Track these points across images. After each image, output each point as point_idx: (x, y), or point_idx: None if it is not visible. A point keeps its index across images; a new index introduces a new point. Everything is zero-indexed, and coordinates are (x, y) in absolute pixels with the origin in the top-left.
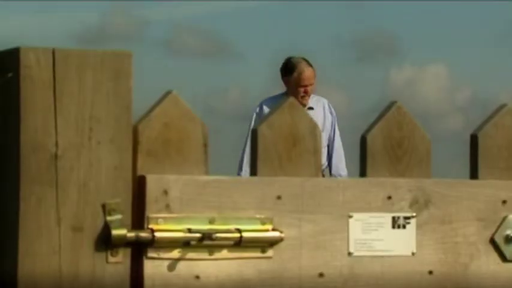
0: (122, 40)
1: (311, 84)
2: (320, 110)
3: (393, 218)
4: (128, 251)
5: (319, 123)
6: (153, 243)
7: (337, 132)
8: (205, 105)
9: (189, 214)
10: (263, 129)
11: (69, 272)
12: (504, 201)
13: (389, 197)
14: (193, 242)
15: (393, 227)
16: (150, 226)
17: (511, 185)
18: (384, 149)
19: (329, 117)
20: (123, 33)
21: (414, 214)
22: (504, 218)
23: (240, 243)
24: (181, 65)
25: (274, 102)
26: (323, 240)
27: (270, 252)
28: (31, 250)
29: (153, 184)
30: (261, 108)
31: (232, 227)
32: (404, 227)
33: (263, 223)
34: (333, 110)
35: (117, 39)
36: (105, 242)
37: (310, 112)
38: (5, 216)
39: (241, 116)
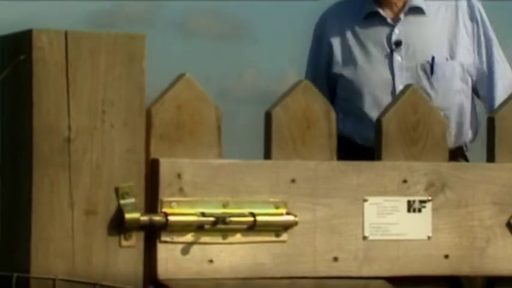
0: (134, 23)
1: None
2: (442, 13)
3: (408, 201)
4: (141, 234)
5: (436, 36)
6: (166, 227)
7: (496, 56)
8: (219, 88)
9: (203, 198)
10: (277, 112)
11: (82, 256)
12: None
13: (405, 181)
14: (206, 226)
15: (408, 210)
16: (164, 210)
17: None
18: (399, 132)
19: (466, 26)
20: (135, 16)
21: (430, 198)
22: None
23: (253, 227)
24: (194, 47)
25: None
26: (338, 224)
27: (284, 236)
28: (44, 234)
29: (166, 167)
30: (324, 27)
31: (246, 210)
32: (419, 210)
33: (277, 207)
34: (479, 13)
35: (130, 23)
36: (119, 225)
37: (415, 19)
38: (18, 199)
39: (255, 99)
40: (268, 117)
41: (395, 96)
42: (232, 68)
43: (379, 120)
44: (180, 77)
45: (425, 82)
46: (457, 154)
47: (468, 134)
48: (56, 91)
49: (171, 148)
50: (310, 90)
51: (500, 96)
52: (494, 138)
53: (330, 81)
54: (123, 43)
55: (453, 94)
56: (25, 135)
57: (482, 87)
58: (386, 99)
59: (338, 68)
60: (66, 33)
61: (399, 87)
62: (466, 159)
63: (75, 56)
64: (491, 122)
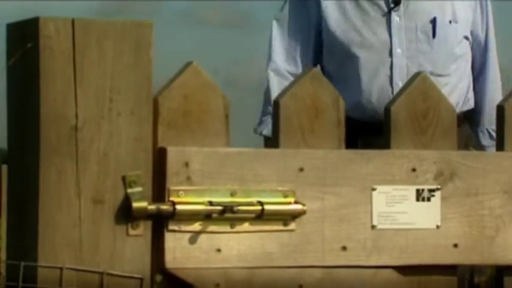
0: (142, 13)
1: None
2: None
3: (417, 190)
4: (149, 223)
5: (434, 13)
6: (174, 215)
7: (491, 31)
8: (227, 76)
9: (210, 186)
10: (285, 101)
11: (89, 245)
12: None
13: (414, 169)
14: (214, 215)
15: (417, 199)
16: (171, 199)
17: None
18: (408, 120)
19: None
20: (143, 6)
21: (439, 186)
22: None
23: (261, 216)
24: (202, 36)
25: None
26: (346, 213)
27: (292, 225)
28: (52, 222)
29: (173, 156)
30: None
31: (253, 199)
32: (428, 199)
33: (285, 196)
34: None
35: (137, 12)
36: (126, 214)
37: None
38: (25, 188)
39: (263, 88)
40: (276, 105)
41: (404, 84)
42: (240, 57)
43: (388, 109)
44: (187, 65)
45: (425, 45)
46: (464, 121)
47: (471, 100)
48: (63, 79)
49: (178, 137)
50: (319, 78)
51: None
52: (503, 126)
53: (317, 45)
54: (131, 31)
55: (454, 59)
56: (32, 123)
57: (476, 59)
58: (383, 63)
59: (329, 29)
60: (73, 21)
61: (397, 50)
62: (466, 127)
63: (82, 44)
64: (501, 111)
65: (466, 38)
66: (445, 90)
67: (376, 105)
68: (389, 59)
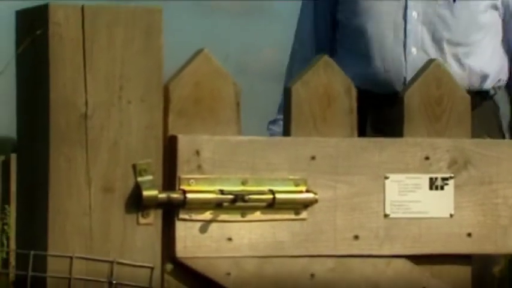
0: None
1: None
2: None
3: (431, 179)
4: (159, 212)
5: None
6: (184, 204)
7: None
8: (238, 64)
9: (221, 175)
10: (297, 88)
11: (99, 234)
12: None
13: (427, 158)
14: (225, 204)
15: (431, 188)
16: (182, 187)
17: None
18: (422, 107)
19: None
20: None
21: (452, 175)
22: None
23: (273, 205)
24: (214, 23)
25: None
26: (358, 202)
27: (304, 214)
28: (62, 210)
29: (184, 144)
30: None
31: (265, 188)
32: (442, 188)
33: (297, 184)
34: None
35: None
36: (136, 203)
37: None
38: (35, 176)
39: (274, 75)
40: (287, 93)
41: (418, 71)
42: (252, 44)
43: (401, 96)
44: (198, 52)
45: (444, 10)
46: (481, 98)
47: (493, 75)
48: (72, 67)
49: (189, 125)
50: (331, 66)
51: None
52: None
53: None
54: (141, 17)
55: (478, 29)
56: (42, 111)
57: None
58: (396, 28)
59: None
60: (82, 8)
61: (412, 13)
62: (495, 104)
63: (92, 30)
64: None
65: (495, 7)
66: (465, 61)
67: (387, 74)
68: (403, 22)
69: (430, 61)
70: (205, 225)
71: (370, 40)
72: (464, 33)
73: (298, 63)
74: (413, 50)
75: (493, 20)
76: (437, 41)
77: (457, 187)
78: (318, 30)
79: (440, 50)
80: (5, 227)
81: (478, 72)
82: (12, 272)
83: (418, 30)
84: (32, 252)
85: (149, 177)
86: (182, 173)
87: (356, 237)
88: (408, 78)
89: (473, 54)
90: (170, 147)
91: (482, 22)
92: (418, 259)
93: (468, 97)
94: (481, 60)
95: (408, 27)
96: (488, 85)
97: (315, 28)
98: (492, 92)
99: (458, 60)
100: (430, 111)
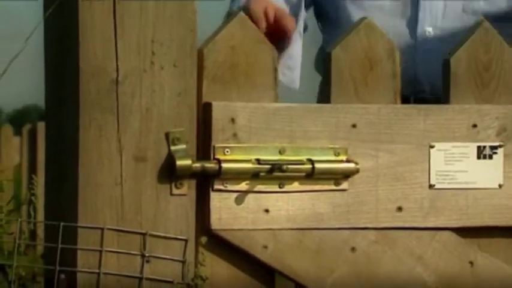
0: None
1: None
2: None
3: (478, 147)
4: (193, 182)
5: None
6: (219, 174)
7: None
8: None
9: (258, 144)
10: (337, 53)
11: (131, 204)
12: None
13: (475, 125)
14: (262, 174)
15: (478, 157)
16: (217, 156)
17: None
18: (469, 73)
19: None
20: None
21: (502, 143)
22: None
23: (312, 175)
24: None
25: None
26: (402, 171)
27: (344, 185)
28: (92, 180)
29: (219, 112)
30: None
31: (303, 157)
32: (490, 157)
33: (337, 153)
34: None
35: None
36: (169, 173)
37: None
38: (64, 145)
39: (311, 39)
40: (327, 58)
41: (465, 35)
42: None
43: (447, 61)
44: (233, 16)
45: None
46: None
47: None
48: (103, 32)
49: (224, 91)
50: (373, 28)
51: None
52: None
53: None
54: None
55: None
56: (71, 78)
57: None
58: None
59: None
60: None
61: None
62: None
63: None
64: None
65: None
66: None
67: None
68: None
69: (477, 24)
70: (241, 196)
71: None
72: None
73: None
74: (429, 29)
75: None
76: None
77: (506, 156)
78: None
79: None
80: (32, 198)
81: None
82: (40, 244)
83: (437, 3)
84: (62, 224)
85: (182, 146)
86: (217, 141)
87: (399, 208)
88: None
89: None
90: (204, 114)
91: None
92: (464, 232)
93: None
94: None
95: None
96: None
97: None
98: None
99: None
100: (478, 77)
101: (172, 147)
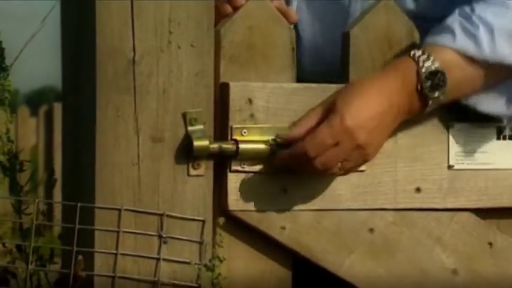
0: None
1: None
2: None
3: (499, 128)
4: (211, 163)
5: None
6: (237, 155)
7: None
8: None
9: (276, 124)
10: (356, 32)
11: (148, 185)
12: None
13: None
14: None
15: (498, 138)
16: (234, 137)
17: None
18: None
19: None
20: None
21: None
22: None
23: None
24: None
25: None
26: (420, 152)
27: (362, 166)
28: (109, 161)
29: (236, 92)
30: None
31: None
32: (510, 138)
33: None
34: None
35: None
36: (187, 153)
37: None
38: (81, 124)
39: None
40: (346, 37)
41: None
42: None
43: None
44: None
45: None
46: None
47: None
48: (119, 11)
49: (241, 71)
50: (392, 7)
51: None
52: None
53: None
54: None
55: None
56: (88, 57)
57: None
58: None
59: None
60: None
61: None
62: None
63: None
64: None
65: None
66: None
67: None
68: None
69: None
70: (258, 177)
71: None
72: None
73: None
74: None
75: None
76: None
77: None
78: None
79: None
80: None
81: None
82: (57, 224)
83: None
84: (79, 205)
85: (200, 127)
86: (234, 122)
87: (418, 189)
88: None
89: None
90: (221, 95)
91: None
92: (484, 213)
93: None
94: None
95: None
96: None
97: None
98: None
99: None
100: None
101: (190, 128)
